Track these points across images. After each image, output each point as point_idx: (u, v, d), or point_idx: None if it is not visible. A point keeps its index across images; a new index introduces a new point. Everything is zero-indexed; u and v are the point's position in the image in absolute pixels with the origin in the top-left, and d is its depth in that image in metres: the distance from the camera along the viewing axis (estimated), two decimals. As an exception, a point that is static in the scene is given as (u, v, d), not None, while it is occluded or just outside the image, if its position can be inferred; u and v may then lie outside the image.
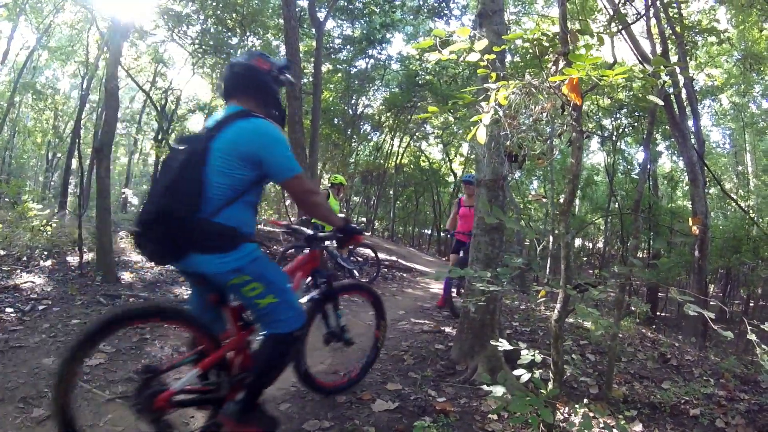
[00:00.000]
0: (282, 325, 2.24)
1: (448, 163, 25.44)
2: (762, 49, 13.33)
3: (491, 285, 2.25)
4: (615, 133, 14.85)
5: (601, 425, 1.78)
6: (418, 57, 17.14)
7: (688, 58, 10.72)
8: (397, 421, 2.88)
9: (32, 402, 2.98)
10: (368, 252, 9.30)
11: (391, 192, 25.59)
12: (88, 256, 6.82)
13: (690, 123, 9.78)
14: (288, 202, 15.45)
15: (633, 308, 8.47)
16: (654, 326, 8.43)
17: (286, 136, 2.19)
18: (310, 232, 2.86)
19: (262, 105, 2.23)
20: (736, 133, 20.45)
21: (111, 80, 6.98)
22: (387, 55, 18.29)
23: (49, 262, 6.79)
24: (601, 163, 18.64)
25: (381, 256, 10.19)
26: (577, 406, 2.33)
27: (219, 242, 2.03)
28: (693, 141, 9.51)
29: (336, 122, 18.30)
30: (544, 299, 2.42)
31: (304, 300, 2.77)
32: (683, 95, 9.82)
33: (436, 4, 14.01)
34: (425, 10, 14.40)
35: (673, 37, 8.78)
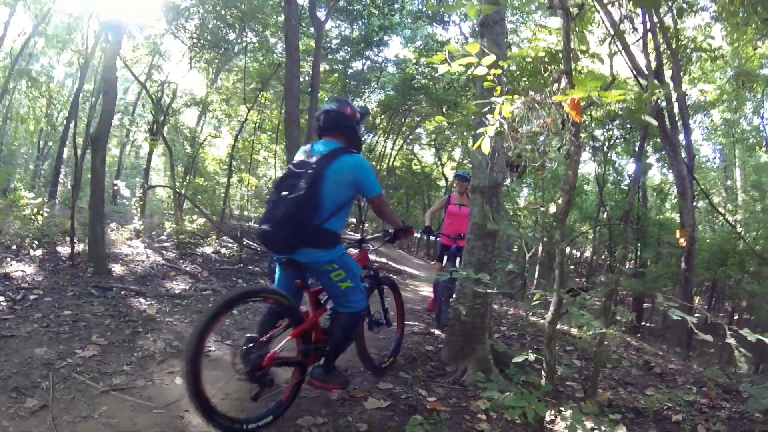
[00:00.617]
0: (353, 305, 2.93)
1: (440, 168, 25.55)
2: (755, 67, 13.55)
3: (487, 288, 2.32)
4: (606, 144, 15.02)
5: (588, 427, 1.85)
6: (415, 61, 17.20)
7: (681, 72, 10.90)
8: (389, 418, 2.94)
9: (25, 392, 2.99)
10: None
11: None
12: (79, 247, 6.79)
13: (681, 137, 9.95)
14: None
15: (618, 317, 8.59)
16: (639, 335, 8.56)
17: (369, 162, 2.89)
18: (359, 236, 3.70)
19: (350, 141, 2.97)
20: (726, 149, 20.71)
21: (110, 71, 6.96)
22: (384, 57, 18.38)
23: (39, 252, 6.75)
24: (591, 173, 18.82)
25: (371, 257, 10.22)
26: (561, 408, 2.41)
27: (326, 242, 2.75)
28: (683, 155, 9.67)
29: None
30: (538, 305, 2.50)
31: None
32: (675, 109, 9.99)
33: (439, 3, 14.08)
34: (425, 16, 14.48)
35: (668, 51, 8.93)
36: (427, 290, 8.87)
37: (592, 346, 5.05)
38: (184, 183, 12.60)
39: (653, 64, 8.91)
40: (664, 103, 8.37)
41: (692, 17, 10.71)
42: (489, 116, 1.87)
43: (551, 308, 2.04)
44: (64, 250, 6.98)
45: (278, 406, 2.78)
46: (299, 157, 2.97)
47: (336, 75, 17.78)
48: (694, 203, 13.62)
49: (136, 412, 2.87)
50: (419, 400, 3.25)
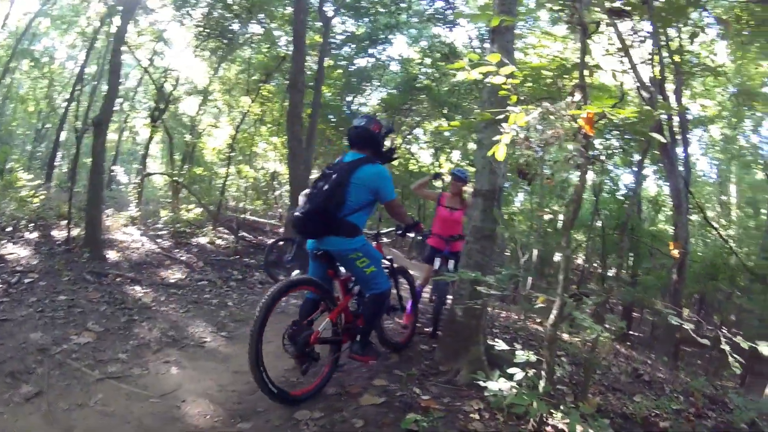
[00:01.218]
0: (379, 286, 3.39)
1: (437, 169, 25.53)
2: (756, 86, 13.63)
3: (492, 290, 2.35)
4: (604, 154, 15.06)
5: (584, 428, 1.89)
6: (419, 60, 17.17)
7: (684, 88, 10.96)
8: (384, 415, 2.96)
9: (20, 377, 2.98)
10: None
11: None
12: (75, 231, 6.77)
13: (679, 151, 10.01)
14: (277, 192, 15.44)
15: (608, 325, 8.64)
16: (628, 343, 8.63)
17: (389, 171, 3.45)
18: (374, 232, 4.29)
19: (375, 153, 3.46)
20: (723, 164, 20.82)
21: (115, 55, 6.95)
22: (388, 56, 18.33)
23: (35, 234, 6.73)
24: (587, 182, 18.85)
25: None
26: (556, 410, 2.45)
27: (348, 232, 3.22)
28: (681, 168, 9.73)
29: (331, 118, 18.27)
30: (542, 309, 2.53)
31: None
32: (675, 123, 10.04)
33: (442, 11, 14.09)
34: (434, 17, 14.46)
35: (672, 66, 8.98)
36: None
37: (582, 352, 5.09)
38: (182, 172, 12.57)
39: (658, 79, 8.95)
40: (665, 118, 8.42)
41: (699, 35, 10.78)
42: (504, 124, 1.89)
43: (554, 312, 2.08)
44: (59, 234, 6.96)
45: (323, 378, 3.24)
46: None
47: (339, 71, 17.73)
48: (689, 216, 13.71)
49: (132, 400, 2.88)
50: (413, 398, 3.27)
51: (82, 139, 8.83)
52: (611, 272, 16.27)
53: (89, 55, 15.09)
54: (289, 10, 11.37)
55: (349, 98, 18.86)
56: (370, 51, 17.23)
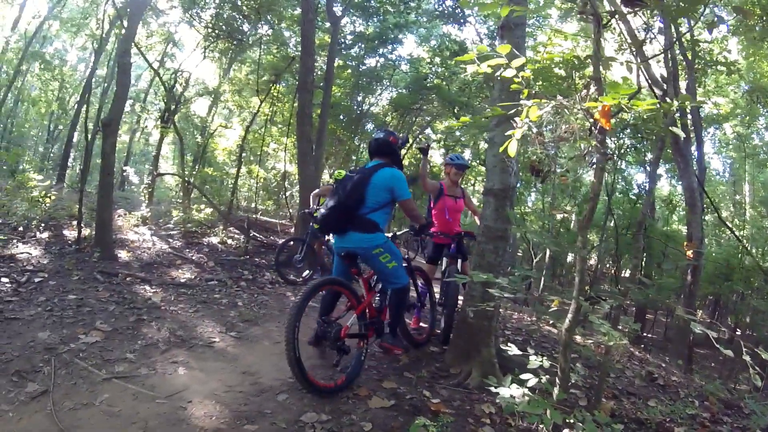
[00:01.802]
0: (400, 280, 3.72)
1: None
2: (769, 83, 13.41)
3: (500, 292, 2.29)
4: (617, 153, 14.90)
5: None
6: (428, 60, 17.10)
7: (696, 84, 10.79)
8: (393, 418, 2.91)
9: (26, 376, 2.96)
10: None
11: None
12: (86, 232, 6.79)
13: (693, 149, 9.86)
14: (288, 193, 15.45)
15: (621, 326, 8.53)
16: (642, 345, 8.50)
17: (404, 175, 3.79)
18: (390, 234, 4.30)
19: (392, 161, 3.86)
20: (737, 163, 20.53)
21: (124, 56, 6.95)
22: (397, 55, 18.28)
23: (45, 234, 6.76)
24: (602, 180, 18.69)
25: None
26: (571, 419, 2.38)
27: (368, 228, 3.57)
28: (695, 167, 9.58)
29: (342, 118, 18.26)
30: (553, 310, 2.45)
31: None
32: (689, 121, 9.88)
33: (452, 10, 14.01)
34: (443, 15, 14.40)
35: (684, 63, 8.84)
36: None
37: (597, 355, 5.00)
38: (193, 172, 12.60)
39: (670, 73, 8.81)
40: (678, 115, 8.28)
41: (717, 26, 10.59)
42: (516, 119, 1.83)
43: (569, 315, 2.01)
44: (70, 233, 6.99)
45: (354, 369, 3.42)
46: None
47: (349, 71, 17.71)
48: (703, 216, 13.49)
49: (138, 401, 2.85)
50: (423, 401, 3.22)
51: (94, 140, 8.89)
52: (626, 274, 16.09)
53: (99, 57, 15.21)
54: (298, 11, 11.36)
55: (359, 98, 18.83)
56: (380, 51, 17.20)
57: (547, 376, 2.23)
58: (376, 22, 15.98)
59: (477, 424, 3.03)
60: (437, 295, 5.15)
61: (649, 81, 9.00)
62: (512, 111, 1.91)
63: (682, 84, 9.76)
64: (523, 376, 2.22)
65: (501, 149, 1.82)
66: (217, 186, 13.75)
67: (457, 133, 20.43)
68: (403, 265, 4.10)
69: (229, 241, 9.07)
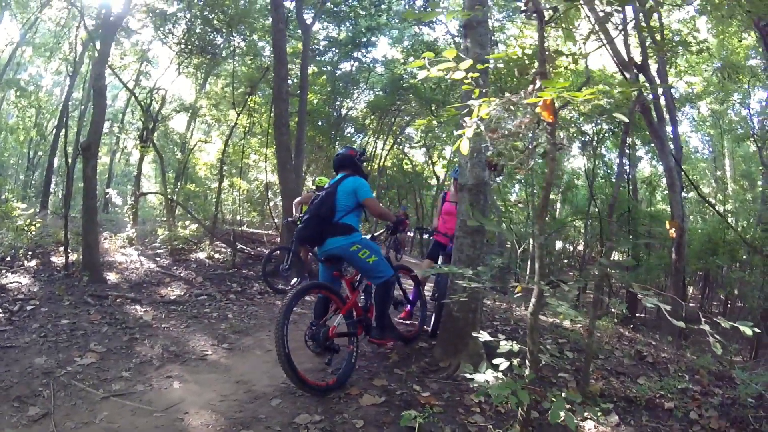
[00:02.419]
0: (383, 274, 3.88)
1: (431, 166, 25.65)
2: (740, 59, 13.67)
3: (473, 283, 2.39)
4: (595, 138, 15.12)
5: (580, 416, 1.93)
6: (403, 61, 17.24)
7: (668, 66, 11.00)
8: (385, 414, 3.00)
9: (27, 401, 3.02)
10: None
11: (375, 194, 25.68)
12: (73, 257, 6.81)
13: (669, 129, 10.05)
14: (272, 204, 15.49)
15: (611, 308, 8.68)
16: (632, 326, 8.64)
17: (368, 182, 4.09)
18: (368, 235, 4.50)
19: (355, 171, 4.12)
20: (715, 140, 20.86)
21: (99, 79, 6.98)
22: (372, 58, 18.44)
23: (33, 263, 6.76)
24: (581, 167, 18.94)
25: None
26: (554, 398, 2.48)
27: (343, 231, 3.79)
28: (671, 147, 9.77)
29: (320, 124, 18.32)
30: (521, 297, 2.56)
31: None
32: (662, 102, 10.08)
33: (422, 11, 14.12)
34: (413, 12, 14.49)
35: (653, 45, 9.02)
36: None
37: (584, 338, 5.11)
38: (176, 189, 12.61)
39: (637, 59, 8.99)
40: (650, 96, 8.45)
41: (677, 11, 10.81)
42: (467, 118, 1.94)
43: (532, 300, 2.12)
44: (58, 260, 7.00)
45: (345, 368, 3.54)
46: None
47: (324, 77, 17.79)
48: (685, 194, 13.71)
49: (137, 416, 2.92)
50: (413, 396, 3.32)
51: (75, 165, 8.88)
52: (615, 257, 16.32)
53: (74, 79, 15.14)
54: (269, 21, 11.42)
55: (337, 103, 18.92)
56: (354, 54, 17.30)
57: (518, 359, 2.34)
58: (349, 26, 16.08)
59: (467, 413, 3.13)
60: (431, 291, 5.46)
61: (619, 66, 9.20)
62: (466, 110, 2.02)
63: (653, 66, 9.96)
64: (495, 361, 2.33)
65: (453, 148, 1.93)
66: (201, 201, 13.77)
67: (437, 131, 20.58)
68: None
69: (217, 256, 9.11)
